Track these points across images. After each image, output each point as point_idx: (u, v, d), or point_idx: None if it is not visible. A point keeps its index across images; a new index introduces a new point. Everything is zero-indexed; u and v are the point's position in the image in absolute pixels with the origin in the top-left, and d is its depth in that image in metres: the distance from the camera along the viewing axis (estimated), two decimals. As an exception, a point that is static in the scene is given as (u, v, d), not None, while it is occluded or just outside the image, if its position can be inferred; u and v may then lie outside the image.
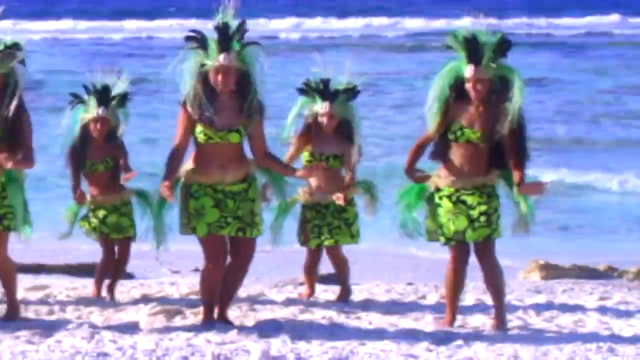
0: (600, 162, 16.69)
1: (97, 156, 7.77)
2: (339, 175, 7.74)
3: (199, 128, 6.55)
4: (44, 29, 42.27)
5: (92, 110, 7.75)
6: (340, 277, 7.95)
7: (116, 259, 7.93)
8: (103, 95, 7.76)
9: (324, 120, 7.64)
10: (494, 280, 6.75)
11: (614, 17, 45.62)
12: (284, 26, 44.01)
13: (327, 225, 7.67)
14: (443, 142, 6.67)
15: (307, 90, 7.71)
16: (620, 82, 25.78)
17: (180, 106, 6.59)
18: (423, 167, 6.86)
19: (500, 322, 6.80)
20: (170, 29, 41.75)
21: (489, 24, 6.70)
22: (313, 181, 7.70)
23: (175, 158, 6.60)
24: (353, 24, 44.55)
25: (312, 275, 8.00)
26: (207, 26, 6.60)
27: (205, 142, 6.55)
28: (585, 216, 13.56)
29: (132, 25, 44.86)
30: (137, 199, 7.85)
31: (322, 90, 7.64)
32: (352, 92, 7.72)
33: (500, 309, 6.83)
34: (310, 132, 7.67)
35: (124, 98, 7.84)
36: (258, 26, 39.54)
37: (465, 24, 6.91)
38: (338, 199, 7.53)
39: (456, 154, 6.66)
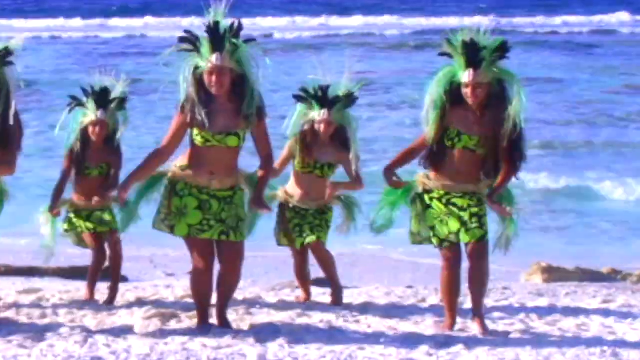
0: (604, 164, 16.70)
1: (94, 160, 7.79)
2: (326, 184, 7.79)
3: (196, 131, 6.55)
4: (32, 26, 42.25)
5: (90, 113, 7.75)
6: (328, 274, 7.95)
7: (110, 260, 7.92)
8: (102, 97, 7.76)
9: (321, 127, 7.66)
10: (482, 283, 6.78)
11: (622, 15, 45.64)
12: (281, 24, 44.01)
13: (308, 223, 7.74)
14: (439, 149, 6.67)
15: (305, 97, 7.73)
16: (626, 81, 25.77)
17: (176, 110, 6.59)
18: (404, 173, 6.87)
19: (485, 324, 6.83)
20: (165, 27, 41.75)
21: (488, 24, 6.69)
22: (300, 187, 7.75)
23: (153, 159, 6.60)
24: (351, 23, 44.56)
25: (304, 278, 8.04)
26: (199, 23, 6.59)
27: (202, 144, 6.55)
28: (588, 218, 13.57)
29: (124, 23, 44.85)
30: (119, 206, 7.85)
31: (320, 97, 7.66)
32: (350, 99, 7.75)
33: (482, 311, 6.87)
34: (307, 139, 7.69)
35: (123, 101, 7.84)
36: (254, 25, 39.54)
37: (465, 24, 6.90)
38: (329, 195, 7.55)
39: (451, 161, 6.66)
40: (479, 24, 6.72)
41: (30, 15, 46.78)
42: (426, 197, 6.76)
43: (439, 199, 6.72)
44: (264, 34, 36.48)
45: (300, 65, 27.03)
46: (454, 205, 6.69)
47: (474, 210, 6.68)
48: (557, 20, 44.41)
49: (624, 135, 19.32)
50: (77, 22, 45.13)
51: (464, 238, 6.69)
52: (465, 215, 6.68)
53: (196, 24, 6.71)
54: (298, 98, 7.77)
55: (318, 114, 7.67)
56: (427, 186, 6.75)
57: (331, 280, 7.96)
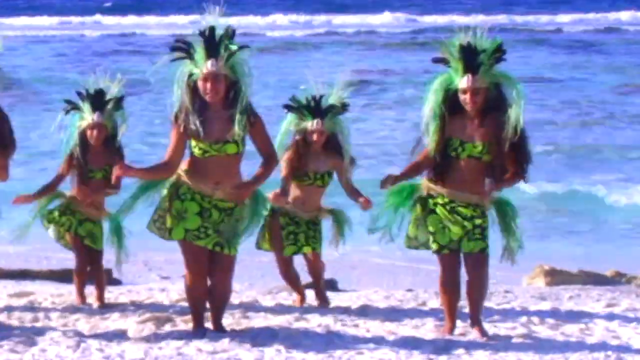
0: (608, 166, 16.71)
1: (96, 163, 7.77)
2: (322, 194, 7.85)
3: (193, 142, 6.53)
4: (23, 24, 42.32)
5: (87, 116, 7.74)
6: (316, 282, 8.06)
7: (92, 272, 7.94)
8: (97, 100, 7.74)
9: (314, 137, 7.68)
10: (480, 294, 6.80)
11: (628, 13, 45.68)
12: (280, 22, 44.05)
13: (303, 232, 7.78)
14: (443, 160, 6.65)
15: (296, 107, 7.73)
16: (632, 81, 25.75)
17: (171, 121, 6.57)
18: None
19: (483, 329, 6.84)
20: (157, 25, 41.79)
21: (485, 25, 6.66)
22: (298, 195, 7.76)
23: (159, 170, 6.58)
24: (351, 20, 44.60)
25: (293, 280, 8.05)
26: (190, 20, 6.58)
27: (201, 156, 6.53)
28: (592, 220, 13.57)
29: (118, 21, 44.89)
30: (110, 223, 7.84)
31: (313, 107, 7.68)
32: (342, 108, 7.77)
33: (479, 317, 6.88)
34: (299, 150, 7.70)
35: (119, 101, 7.83)
36: (254, 23, 39.58)
37: (467, 21, 6.89)
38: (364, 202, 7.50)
39: (458, 170, 6.64)
40: (475, 25, 6.68)
41: (22, 13, 46.80)
42: (430, 201, 6.75)
43: (443, 205, 6.70)
44: (263, 32, 36.51)
45: (298, 64, 27.05)
46: (458, 213, 6.68)
47: (478, 221, 6.67)
48: (561, 17, 44.45)
49: (629, 137, 19.31)
50: (69, 19, 45.17)
51: (466, 247, 6.68)
52: (469, 225, 6.65)
53: (185, 22, 6.69)
54: (289, 108, 7.78)
55: (311, 124, 7.68)
56: (432, 191, 6.73)
57: (317, 286, 8.07)
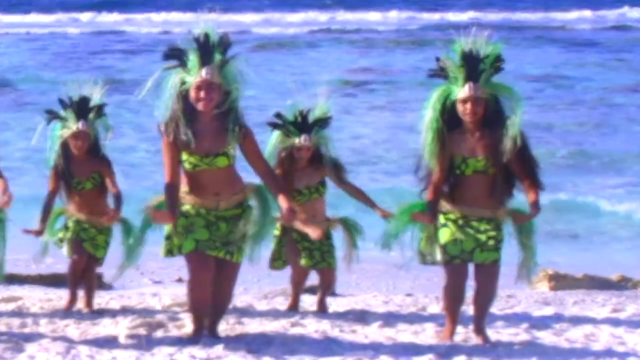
0: (614, 170, 16.74)
1: (83, 173, 7.77)
2: (325, 201, 7.91)
3: (184, 156, 6.52)
4: (5, 22, 42.38)
5: (71, 125, 7.74)
6: (324, 292, 8.13)
7: (85, 274, 7.96)
8: (81, 108, 7.74)
9: (301, 152, 7.71)
10: (488, 304, 6.84)
11: (634, 11, 45.67)
12: (276, 20, 44.07)
13: (318, 249, 7.84)
14: (451, 179, 6.67)
15: (282, 124, 7.76)
16: (636, 80, 25.78)
17: (159, 134, 6.55)
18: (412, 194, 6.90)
19: (486, 336, 6.86)
20: (147, 22, 41.83)
21: (482, 28, 6.67)
22: (305, 212, 7.79)
23: (172, 191, 6.53)
24: (349, 18, 44.63)
25: (299, 288, 8.09)
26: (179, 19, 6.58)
27: (192, 169, 6.54)
28: (597, 224, 13.59)
29: (106, 19, 44.92)
30: (121, 228, 7.86)
31: (300, 123, 7.71)
32: (326, 121, 7.81)
33: (484, 324, 6.90)
34: (284, 167, 7.73)
35: (100, 108, 7.83)
36: (253, 21, 39.62)
37: (468, 18, 6.90)
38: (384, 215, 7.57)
39: (466, 187, 6.66)
40: (476, 24, 6.67)
41: (8, 10, 46.79)
42: (442, 217, 6.75)
43: (455, 221, 6.70)
44: (259, 29, 36.52)
45: (296, 63, 27.07)
46: (471, 227, 6.68)
47: (492, 234, 6.66)
48: (568, 15, 44.45)
49: (637, 140, 19.32)
50: (56, 17, 45.17)
51: (478, 258, 6.67)
52: (483, 237, 6.65)
53: (177, 20, 6.70)
54: (274, 126, 7.79)
55: (299, 140, 7.71)
56: (445, 208, 6.74)
57: (322, 295, 8.11)
